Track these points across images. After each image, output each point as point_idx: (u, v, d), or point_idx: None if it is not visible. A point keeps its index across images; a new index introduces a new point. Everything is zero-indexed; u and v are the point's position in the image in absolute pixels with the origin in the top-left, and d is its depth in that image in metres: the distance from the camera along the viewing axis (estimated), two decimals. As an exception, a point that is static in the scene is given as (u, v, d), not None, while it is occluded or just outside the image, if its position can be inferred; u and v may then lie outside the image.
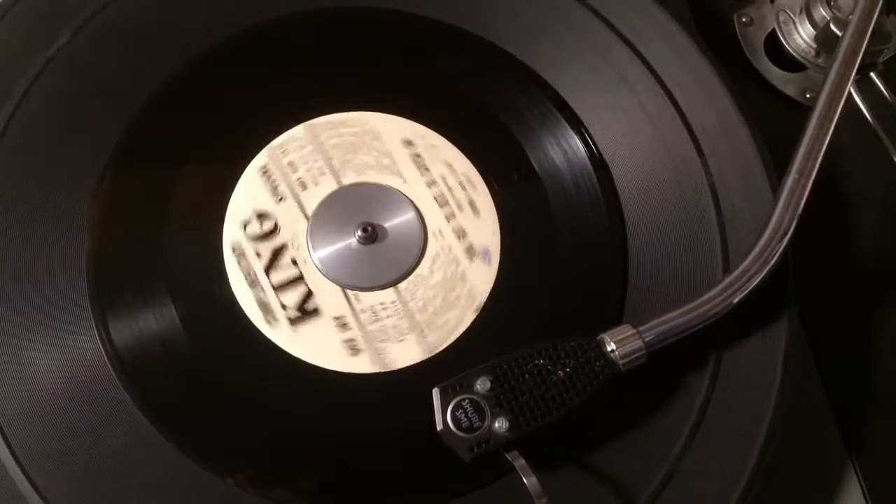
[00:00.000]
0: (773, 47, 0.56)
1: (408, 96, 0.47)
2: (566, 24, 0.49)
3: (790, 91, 0.55)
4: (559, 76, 0.48)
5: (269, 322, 0.42)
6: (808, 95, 0.55)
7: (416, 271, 0.44)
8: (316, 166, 0.45)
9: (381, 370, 0.42)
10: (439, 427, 0.38)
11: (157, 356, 0.41)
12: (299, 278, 0.43)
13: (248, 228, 0.44)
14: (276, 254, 0.44)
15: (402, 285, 0.44)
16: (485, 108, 0.48)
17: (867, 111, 0.52)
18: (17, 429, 0.39)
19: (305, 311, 0.43)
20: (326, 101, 0.47)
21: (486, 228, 0.45)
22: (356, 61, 0.48)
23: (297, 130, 0.46)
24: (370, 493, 0.41)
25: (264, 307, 0.42)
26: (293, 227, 0.44)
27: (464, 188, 0.45)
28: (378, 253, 0.44)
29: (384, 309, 0.43)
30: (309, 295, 0.43)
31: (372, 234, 0.44)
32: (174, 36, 0.47)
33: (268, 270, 0.43)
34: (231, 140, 0.45)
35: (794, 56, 0.55)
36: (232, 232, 0.44)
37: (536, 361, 0.39)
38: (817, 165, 0.44)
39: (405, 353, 0.42)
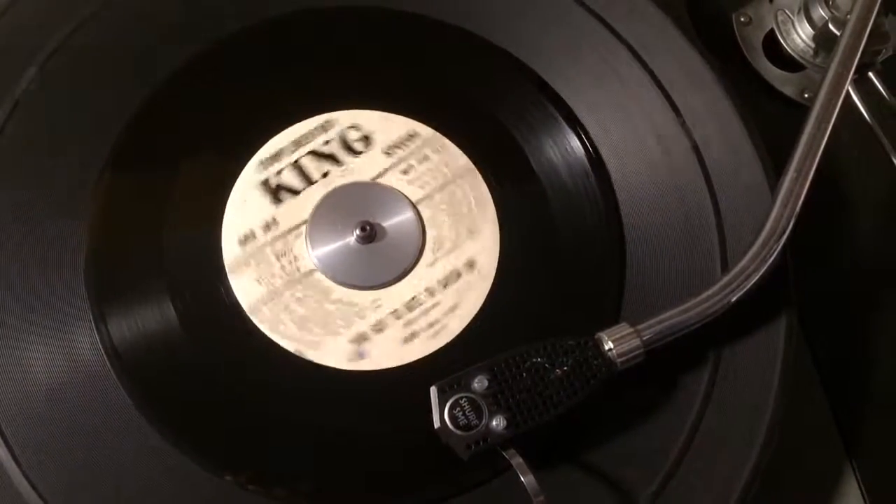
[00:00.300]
0: (772, 47, 0.56)
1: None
2: (566, 26, 0.49)
3: (788, 91, 0.55)
4: (557, 75, 0.48)
5: (259, 165, 0.44)
6: (806, 95, 0.55)
7: (340, 292, 0.43)
8: (428, 179, 0.46)
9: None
10: (437, 425, 0.38)
11: (155, 355, 0.41)
12: (308, 182, 0.45)
13: (347, 132, 0.46)
14: (330, 158, 0.45)
15: (323, 278, 0.43)
16: (483, 108, 0.48)
17: (865, 110, 0.52)
18: (16, 427, 0.39)
19: (275, 195, 0.44)
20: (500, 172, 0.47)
21: (391, 356, 0.42)
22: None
23: (463, 160, 0.46)
24: (367, 490, 0.41)
25: (272, 159, 0.45)
26: (361, 169, 0.45)
27: (431, 326, 0.43)
28: (383, 246, 0.44)
29: (290, 262, 0.43)
30: (294, 193, 0.44)
31: (371, 233, 0.44)
32: (177, 32, 0.47)
33: (311, 153, 0.45)
34: (231, 134, 0.46)
35: (792, 56, 0.56)
36: (342, 117, 0.46)
37: (534, 360, 0.39)
38: (815, 164, 0.44)
39: (247, 292, 0.42)
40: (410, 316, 0.43)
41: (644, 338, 0.40)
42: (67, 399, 0.40)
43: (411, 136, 0.46)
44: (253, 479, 0.40)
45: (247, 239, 0.43)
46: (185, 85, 0.46)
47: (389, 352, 0.42)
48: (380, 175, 0.45)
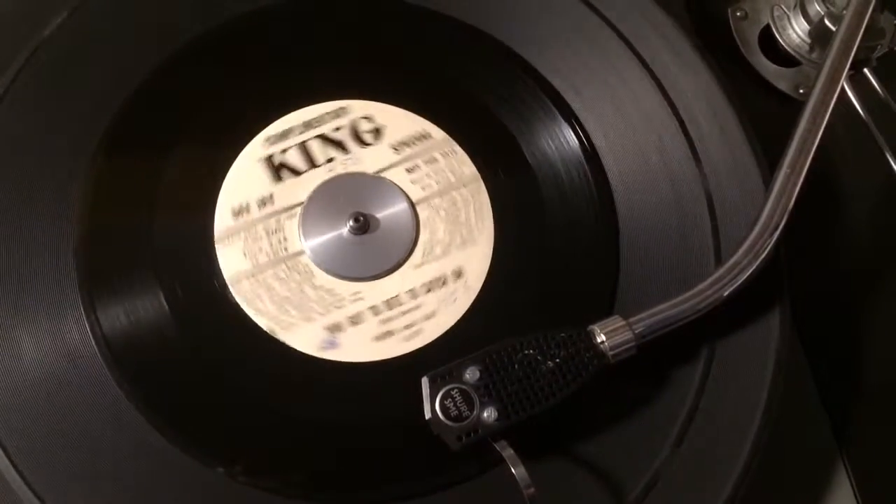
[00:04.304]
0: (768, 42, 0.56)
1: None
2: (561, 18, 0.49)
3: (783, 86, 0.55)
4: (553, 69, 0.48)
5: (265, 141, 0.44)
6: (801, 90, 0.55)
7: (322, 278, 0.43)
8: (431, 181, 0.45)
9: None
10: (428, 415, 0.38)
11: (146, 344, 0.41)
12: (311, 165, 0.45)
13: (359, 122, 0.45)
14: (338, 145, 0.45)
15: (309, 262, 0.43)
16: (477, 99, 0.47)
17: (860, 107, 0.52)
18: (5, 416, 0.39)
19: (277, 172, 0.44)
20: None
21: (362, 350, 0.42)
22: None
23: (470, 169, 0.46)
24: (362, 482, 0.41)
25: (280, 137, 0.45)
26: (366, 161, 0.45)
27: (407, 328, 0.43)
28: (374, 239, 0.44)
29: (279, 241, 0.43)
30: (296, 174, 0.44)
31: (364, 225, 0.43)
32: (174, 16, 0.47)
33: (320, 136, 0.45)
34: (226, 124, 0.45)
35: (787, 51, 0.55)
36: (357, 106, 0.46)
37: (526, 352, 0.39)
38: (809, 160, 0.44)
39: (231, 263, 0.43)
40: (388, 314, 0.43)
41: (636, 331, 0.40)
42: (57, 387, 0.40)
43: (423, 137, 0.46)
44: (244, 468, 0.39)
45: (241, 211, 0.43)
46: (182, 68, 0.46)
47: (361, 346, 0.42)
48: (384, 169, 0.45)
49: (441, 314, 0.43)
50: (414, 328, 0.43)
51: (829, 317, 0.52)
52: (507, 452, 0.37)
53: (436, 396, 0.38)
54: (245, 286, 0.42)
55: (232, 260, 0.43)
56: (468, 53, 0.48)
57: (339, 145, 0.45)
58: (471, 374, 0.38)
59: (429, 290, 0.43)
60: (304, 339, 0.42)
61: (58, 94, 0.44)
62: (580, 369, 0.39)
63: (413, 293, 0.43)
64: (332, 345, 0.42)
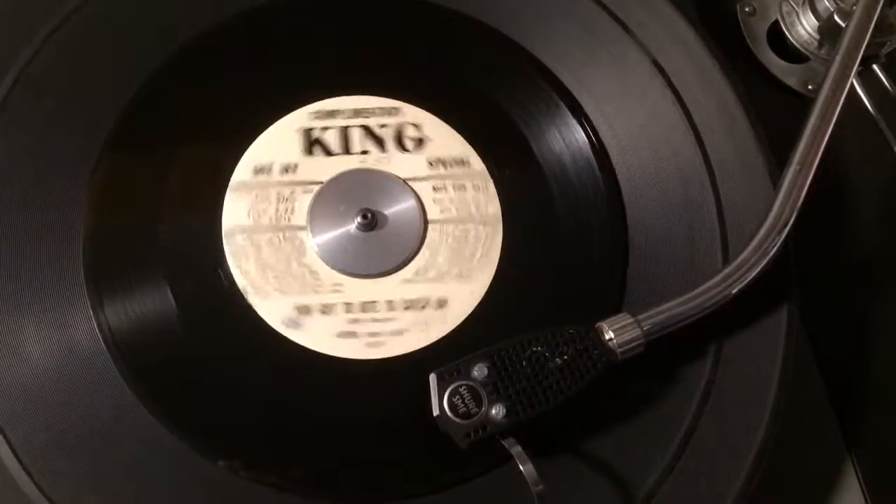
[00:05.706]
0: (776, 38, 0.56)
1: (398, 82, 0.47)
2: (570, 14, 0.49)
3: (792, 82, 0.55)
4: (561, 64, 0.48)
5: (311, 114, 0.45)
6: (810, 87, 0.55)
7: (312, 258, 0.43)
8: (453, 207, 0.45)
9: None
10: (436, 412, 0.38)
11: (151, 338, 0.41)
12: (344, 151, 0.45)
13: (406, 127, 0.45)
14: (377, 141, 0.45)
15: (306, 239, 0.43)
16: (486, 95, 0.47)
17: (869, 103, 0.52)
18: (12, 412, 0.39)
19: (310, 147, 0.45)
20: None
21: (321, 341, 0.42)
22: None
23: (495, 209, 0.45)
24: (369, 480, 0.41)
25: (326, 115, 0.45)
26: (398, 165, 0.45)
27: (372, 336, 0.43)
28: (378, 240, 0.44)
29: (286, 210, 0.43)
30: (327, 154, 0.45)
31: (371, 222, 0.43)
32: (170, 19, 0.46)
33: (364, 127, 0.45)
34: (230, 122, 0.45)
35: (796, 47, 0.55)
36: (411, 111, 0.46)
37: (534, 349, 0.39)
38: (818, 157, 0.43)
39: (234, 215, 0.43)
40: (359, 316, 0.43)
41: (644, 328, 0.40)
42: (61, 383, 0.40)
43: (462, 162, 0.46)
44: (246, 463, 0.39)
45: (262, 170, 0.44)
46: (184, 67, 0.46)
47: (322, 336, 0.42)
48: (412, 179, 0.45)
49: (408, 335, 0.42)
50: (378, 339, 0.42)
51: (837, 314, 0.52)
52: (516, 449, 0.37)
53: (444, 393, 0.38)
54: (238, 241, 0.43)
55: (237, 212, 0.43)
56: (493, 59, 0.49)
57: (378, 141, 0.45)
58: (479, 371, 0.38)
59: (406, 308, 0.43)
60: (272, 309, 0.42)
61: (65, 86, 0.44)
62: (588, 366, 0.39)
63: (391, 305, 0.43)
64: (295, 325, 0.42)
